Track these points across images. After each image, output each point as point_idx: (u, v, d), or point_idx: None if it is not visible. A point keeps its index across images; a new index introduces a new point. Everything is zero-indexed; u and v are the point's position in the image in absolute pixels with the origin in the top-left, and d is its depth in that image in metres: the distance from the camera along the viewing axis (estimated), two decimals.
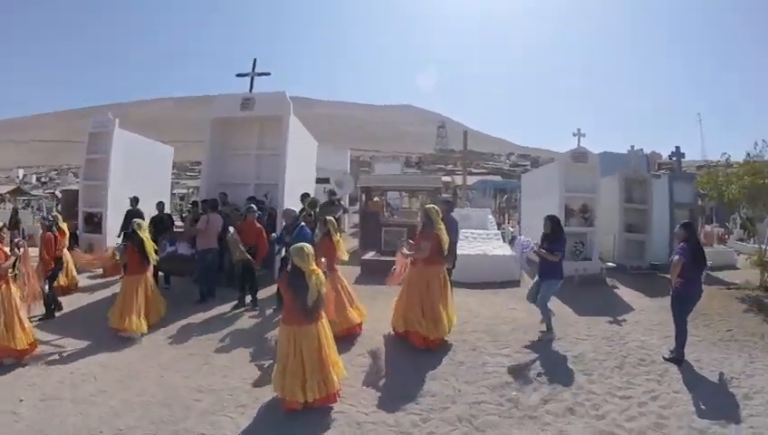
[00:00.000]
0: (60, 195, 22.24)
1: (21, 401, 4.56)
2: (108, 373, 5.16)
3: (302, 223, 6.77)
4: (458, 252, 6.79)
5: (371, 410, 4.35)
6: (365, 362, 5.32)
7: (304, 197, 8.70)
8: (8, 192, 30.99)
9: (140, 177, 10.97)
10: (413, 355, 5.38)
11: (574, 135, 10.09)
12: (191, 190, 27.61)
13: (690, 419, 4.22)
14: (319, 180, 12.23)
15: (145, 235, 6.50)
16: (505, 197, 24.90)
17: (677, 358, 5.26)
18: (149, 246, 6.48)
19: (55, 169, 74.37)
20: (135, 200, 9.56)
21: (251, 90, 10.14)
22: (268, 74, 10.62)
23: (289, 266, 4.40)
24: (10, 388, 4.82)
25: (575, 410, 4.37)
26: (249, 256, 7.13)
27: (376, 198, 13.81)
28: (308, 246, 4.33)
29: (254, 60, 10.62)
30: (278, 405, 4.32)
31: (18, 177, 54.03)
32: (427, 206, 5.98)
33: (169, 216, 9.66)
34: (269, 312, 7.16)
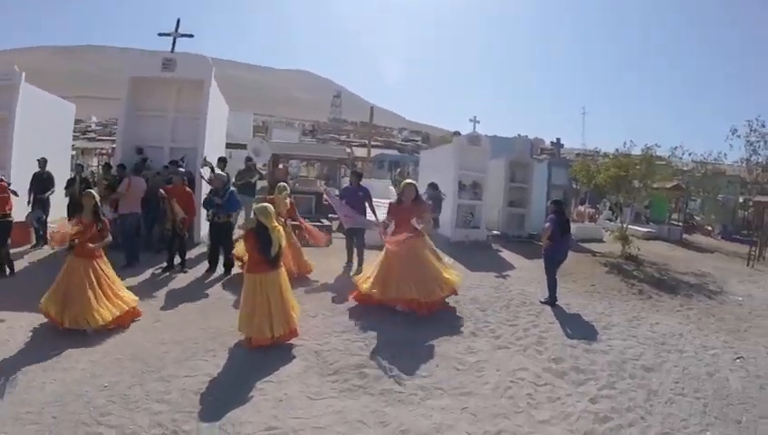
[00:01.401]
0: None
1: None
2: (62, 339, 5.07)
3: (232, 187, 7.36)
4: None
5: (324, 341, 5.28)
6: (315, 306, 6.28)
7: (221, 161, 9.05)
8: None
9: (44, 136, 10.09)
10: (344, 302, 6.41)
11: (470, 121, 11.66)
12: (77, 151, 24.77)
13: (562, 339, 5.83)
14: (228, 145, 12.31)
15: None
16: (398, 170, 26.54)
17: (550, 301, 6.91)
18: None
19: None
20: (44, 162, 9.02)
21: (172, 50, 9.95)
22: (191, 36, 10.49)
23: (254, 224, 5.10)
24: None
25: (477, 333, 5.78)
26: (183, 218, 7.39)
27: (281, 166, 14.17)
28: (270, 207, 5.13)
29: (178, 20, 10.49)
30: (243, 346, 5.01)
31: None
32: (410, 181, 6.90)
33: (49, 173, 9.11)
34: (199, 274, 7.52)
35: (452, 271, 6.50)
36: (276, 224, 5.12)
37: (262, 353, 4.91)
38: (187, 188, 7.72)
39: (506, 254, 10.24)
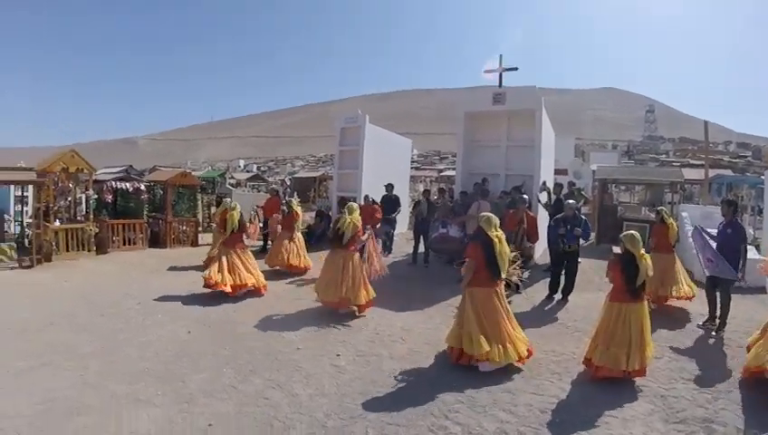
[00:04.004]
0: (289, 181, 26.45)
1: (338, 355, 5.51)
2: (411, 337, 6.04)
3: (583, 216, 7.22)
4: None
5: (671, 386, 4.80)
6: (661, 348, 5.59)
7: (558, 186, 9.08)
8: (247, 179, 37.69)
9: (385, 166, 12.56)
10: None
11: None
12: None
13: None
14: (556, 171, 12.42)
15: (351, 217, 6.80)
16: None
17: None
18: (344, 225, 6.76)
19: (272, 160, 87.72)
20: (390, 187, 10.93)
21: (500, 85, 10.76)
22: (515, 69, 11.11)
23: (619, 249, 5.07)
24: (323, 344, 5.85)
25: None
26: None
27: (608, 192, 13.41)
28: (637, 234, 4.92)
29: (500, 56, 11.21)
30: (590, 374, 4.97)
31: (240, 166, 64.52)
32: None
33: (396, 196, 10.89)
34: (536, 298, 7.65)
35: None
36: (643, 252, 4.89)
37: (606, 386, 4.72)
38: (529, 212, 7.99)
39: None
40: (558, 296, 7.46)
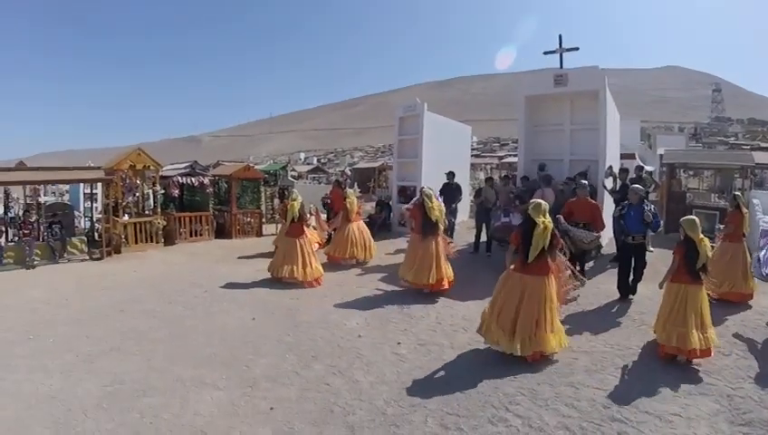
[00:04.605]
0: (349, 172, 26.68)
1: (399, 343, 5.54)
2: (473, 327, 5.57)
3: (645, 203, 6.62)
4: None
5: (738, 386, 4.52)
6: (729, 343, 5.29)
7: (623, 171, 8.59)
8: (308, 171, 38.46)
9: (445, 154, 12.38)
10: None
11: None
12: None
13: None
14: (622, 156, 11.78)
15: (433, 203, 7.13)
16: None
17: None
18: (433, 213, 7.10)
19: (331, 152, 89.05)
20: (451, 175, 10.74)
21: (561, 66, 10.29)
22: (577, 49, 10.58)
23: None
24: (385, 333, 5.90)
25: None
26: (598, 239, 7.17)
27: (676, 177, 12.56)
28: (696, 219, 4.99)
29: (560, 36, 10.65)
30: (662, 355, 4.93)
31: (300, 159, 65.69)
32: None
33: (458, 185, 10.67)
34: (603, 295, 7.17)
35: None
36: (702, 236, 4.91)
37: (671, 382, 4.51)
38: (591, 200, 7.52)
39: None
40: (631, 297, 6.87)
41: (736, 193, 7.44)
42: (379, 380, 4.71)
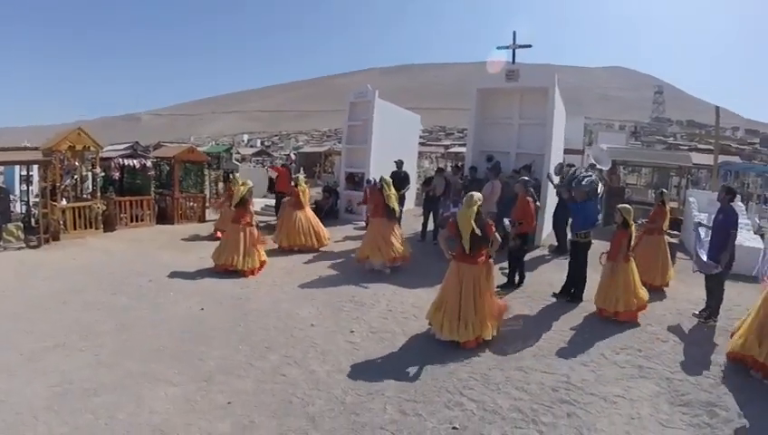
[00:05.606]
0: (294, 156, 26.28)
1: (352, 332, 5.60)
2: (423, 314, 5.61)
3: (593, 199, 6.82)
4: None
5: (676, 370, 4.85)
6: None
7: (561, 168, 8.95)
8: (252, 154, 36.96)
9: (394, 141, 12.47)
10: None
11: None
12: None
13: None
14: (567, 151, 12.29)
15: (391, 191, 7.95)
16: (737, 181, 20.69)
17: None
18: (391, 201, 7.91)
19: (276, 135, 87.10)
20: (400, 163, 10.84)
21: (513, 61, 10.60)
22: (529, 46, 10.93)
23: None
24: (337, 321, 5.93)
25: None
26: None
27: (616, 173, 13.31)
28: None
29: (514, 32, 10.99)
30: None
31: (243, 141, 63.88)
32: None
33: (406, 173, 10.83)
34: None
35: None
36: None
37: (613, 365, 4.85)
38: (527, 197, 7.21)
39: None
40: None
41: (663, 190, 8.05)
42: (336, 368, 4.74)
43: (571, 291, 6.68)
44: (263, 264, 7.93)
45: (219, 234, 9.82)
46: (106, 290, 6.91)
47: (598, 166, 10.28)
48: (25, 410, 3.87)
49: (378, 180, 8.41)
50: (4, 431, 3.65)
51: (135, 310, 6.17)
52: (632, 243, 6.09)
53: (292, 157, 24.87)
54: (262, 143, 64.95)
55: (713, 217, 6.34)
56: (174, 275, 7.68)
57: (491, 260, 5.40)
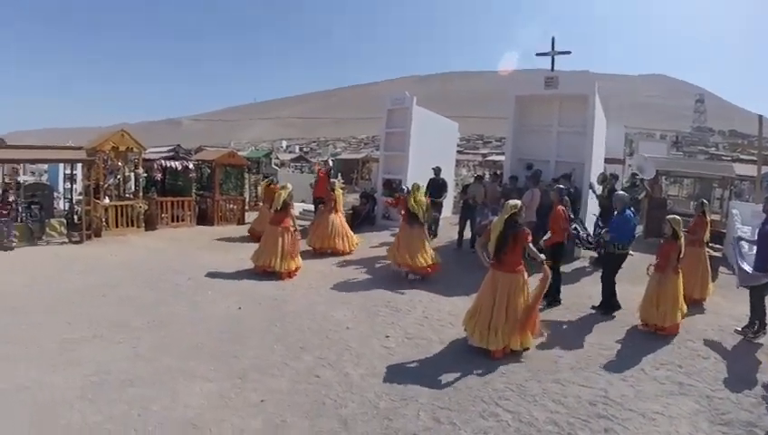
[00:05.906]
0: (332, 163, 26.56)
1: (387, 337, 5.59)
2: (460, 322, 5.55)
3: (628, 211, 6.46)
4: None
5: (718, 388, 4.67)
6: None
7: (604, 178, 8.74)
8: (291, 160, 37.81)
9: (431, 148, 12.37)
10: None
11: None
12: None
13: None
14: (607, 160, 11.99)
15: (417, 196, 7.81)
16: None
17: None
18: (417, 207, 7.75)
19: (314, 141, 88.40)
20: (438, 170, 10.79)
21: (552, 68, 10.41)
22: (569, 53, 10.71)
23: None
24: (372, 325, 5.93)
25: None
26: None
27: (657, 183, 12.87)
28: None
29: (553, 38, 10.76)
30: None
31: (282, 147, 64.89)
32: None
33: (444, 180, 10.81)
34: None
35: None
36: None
37: (653, 381, 4.69)
38: (559, 207, 6.79)
39: None
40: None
41: (704, 200, 7.76)
42: (370, 372, 4.73)
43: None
44: (297, 268, 8.01)
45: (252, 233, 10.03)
46: (146, 286, 7.12)
47: (640, 175, 9.98)
48: (59, 398, 4.01)
49: (409, 187, 8.40)
50: (40, 417, 3.78)
51: (171, 306, 6.34)
52: (681, 255, 5.90)
53: (330, 163, 25.12)
54: (300, 149, 65.83)
55: (757, 229, 6.14)
56: (212, 274, 7.86)
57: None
